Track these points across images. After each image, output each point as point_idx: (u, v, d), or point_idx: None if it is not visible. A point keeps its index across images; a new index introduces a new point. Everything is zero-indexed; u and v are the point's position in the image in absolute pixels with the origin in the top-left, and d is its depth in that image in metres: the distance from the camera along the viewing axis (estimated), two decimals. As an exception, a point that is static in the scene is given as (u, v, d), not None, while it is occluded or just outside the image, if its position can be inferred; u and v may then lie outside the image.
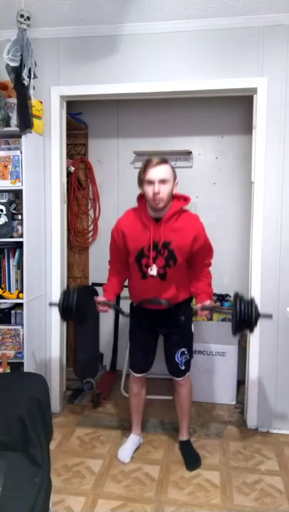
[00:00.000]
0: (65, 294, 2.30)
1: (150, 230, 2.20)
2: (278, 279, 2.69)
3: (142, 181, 2.17)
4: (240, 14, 2.56)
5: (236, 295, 2.20)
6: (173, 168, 2.20)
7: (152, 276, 2.23)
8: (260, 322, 2.71)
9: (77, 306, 2.27)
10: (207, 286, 2.38)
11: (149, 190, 2.11)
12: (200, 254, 2.30)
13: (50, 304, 2.61)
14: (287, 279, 2.68)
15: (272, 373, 2.75)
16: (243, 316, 2.09)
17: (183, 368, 2.42)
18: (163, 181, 2.11)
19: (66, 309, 2.28)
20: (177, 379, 2.47)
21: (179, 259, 2.22)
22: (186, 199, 2.26)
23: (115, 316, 3.56)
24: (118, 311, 2.44)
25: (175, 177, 2.20)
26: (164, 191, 2.11)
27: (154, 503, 2.09)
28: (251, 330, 2.17)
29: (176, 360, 2.40)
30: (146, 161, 2.16)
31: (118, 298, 3.53)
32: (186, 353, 2.41)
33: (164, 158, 2.18)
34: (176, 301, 2.33)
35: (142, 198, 2.27)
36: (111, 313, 3.63)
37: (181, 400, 2.51)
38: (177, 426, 2.67)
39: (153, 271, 2.22)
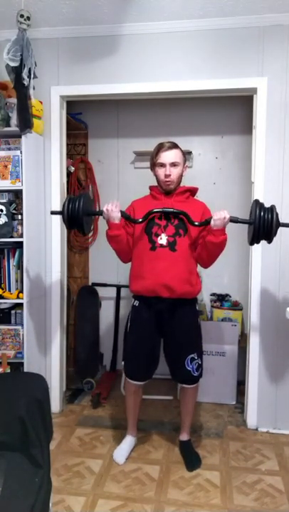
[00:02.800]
0: (70, 201, 2.14)
1: (161, 201, 2.31)
2: (278, 279, 2.69)
3: (153, 164, 2.32)
4: (240, 14, 2.56)
5: (256, 201, 2.08)
6: (183, 152, 2.33)
7: (162, 245, 2.22)
8: (260, 323, 2.73)
9: (84, 213, 2.11)
10: None
11: (161, 172, 2.28)
12: (206, 234, 2.28)
13: (52, 213, 2.42)
14: (287, 279, 2.68)
15: (272, 373, 2.75)
16: (263, 223, 1.97)
17: (196, 374, 2.35)
18: (174, 164, 2.26)
19: (72, 217, 2.12)
20: (189, 386, 2.41)
21: (189, 229, 2.24)
22: (193, 188, 2.40)
23: (115, 315, 3.57)
24: (128, 219, 2.24)
25: (185, 160, 2.35)
26: (174, 173, 2.27)
27: (154, 503, 2.09)
28: (270, 240, 2.04)
29: (187, 367, 2.32)
30: (159, 145, 2.32)
31: (119, 291, 3.56)
32: (196, 358, 2.33)
33: (175, 143, 2.31)
34: (189, 290, 2.25)
35: (152, 187, 2.42)
36: (111, 313, 3.64)
37: (186, 398, 2.48)
38: (177, 426, 2.68)
39: (162, 239, 2.22)
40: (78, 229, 2.21)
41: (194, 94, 2.80)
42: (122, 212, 2.21)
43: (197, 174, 3.43)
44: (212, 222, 2.12)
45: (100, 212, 2.22)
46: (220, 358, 3.13)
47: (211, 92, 2.76)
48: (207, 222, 2.16)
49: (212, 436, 2.71)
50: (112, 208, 2.17)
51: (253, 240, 2.07)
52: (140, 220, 2.25)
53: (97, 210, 3.64)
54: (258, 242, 2.11)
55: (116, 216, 2.19)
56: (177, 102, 3.33)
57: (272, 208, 2.02)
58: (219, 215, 2.11)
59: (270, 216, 1.99)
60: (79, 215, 2.11)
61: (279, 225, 2.00)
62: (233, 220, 2.13)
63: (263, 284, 2.71)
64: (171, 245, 2.23)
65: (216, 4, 2.46)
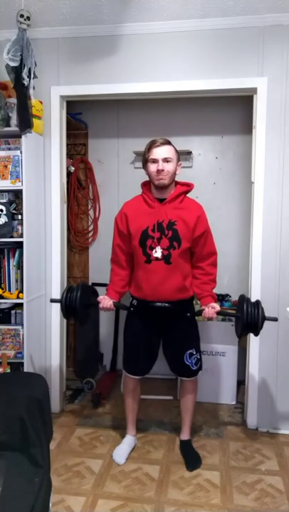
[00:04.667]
0: (69, 291, 2.25)
1: (155, 209, 2.26)
2: (278, 278, 2.69)
3: (146, 161, 2.26)
4: (240, 14, 2.56)
5: (243, 297, 2.20)
6: (176, 150, 2.29)
7: (157, 258, 2.22)
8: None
9: (81, 304, 2.21)
10: (212, 289, 2.37)
11: (153, 167, 2.22)
12: (202, 243, 2.30)
13: (52, 301, 2.52)
14: (287, 279, 2.68)
15: (272, 373, 2.75)
16: (250, 319, 2.09)
17: (195, 368, 2.40)
18: (167, 160, 2.21)
19: (69, 307, 2.23)
20: (188, 379, 2.45)
21: (183, 241, 2.23)
22: (189, 185, 2.35)
23: (115, 316, 3.56)
24: (122, 308, 2.39)
25: (178, 158, 2.30)
26: (167, 169, 2.21)
27: (154, 503, 2.09)
28: (256, 333, 2.15)
29: (186, 362, 2.37)
30: (151, 141, 2.27)
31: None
32: (194, 353, 2.39)
33: (168, 139, 2.28)
34: (184, 296, 2.30)
35: (145, 184, 2.36)
36: (111, 313, 3.63)
37: (186, 395, 2.50)
38: (177, 426, 2.68)
39: (157, 253, 2.22)
40: (75, 319, 2.35)
41: (194, 94, 2.80)
42: (114, 304, 2.35)
43: (197, 174, 3.43)
44: (203, 315, 2.28)
45: (97, 303, 2.35)
46: (220, 358, 3.13)
47: (211, 92, 2.76)
48: (198, 313, 2.32)
49: (212, 436, 2.71)
50: (107, 309, 2.33)
51: (242, 333, 2.22)
52: (132, 309, 2.39)
53: (96, 211, 3.66)
54: (245, 335, 2.28)
55: (111, 310, 2.36)
56: (177, 102, 3.33)
57: (257, 303, 2.14)
58: (208, 315, 2.26)
59: (256, 311, 2.10)
60: (76, 306, 2.22)
61: (264, 319, 2.12)
62: (223, 314, 2.34)
63: (262, 284, 2.71)
64: (166, 258, 2.23)
65: (216, 4, 2.46)
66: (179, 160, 2.31)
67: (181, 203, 2.30)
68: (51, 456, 1.68)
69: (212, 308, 2.26)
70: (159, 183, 2.23)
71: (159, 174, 2.20)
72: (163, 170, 2.20)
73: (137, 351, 2.43)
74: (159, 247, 2.22)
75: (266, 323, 2.71)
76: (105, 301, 2.33)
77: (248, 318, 2.10)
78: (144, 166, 2.31)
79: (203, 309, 2.29)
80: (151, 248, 2.23)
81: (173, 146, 2.28)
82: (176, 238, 2.22)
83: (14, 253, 2.70)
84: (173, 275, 2.24)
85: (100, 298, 2.36)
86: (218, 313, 2.28)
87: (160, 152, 2.21)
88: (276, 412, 2.76)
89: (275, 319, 2.17)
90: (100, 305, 2.33)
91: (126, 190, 3.49)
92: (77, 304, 2.21)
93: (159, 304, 2.27)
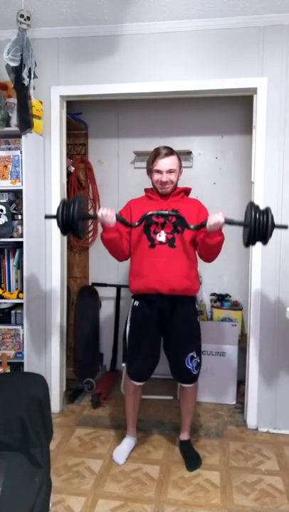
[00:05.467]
0: (64, 206, 2.07)
1: (157, 201, 2.36)
2: (278, 279, 2.69)
3: (150, 170, 2.34)
4: (240, 14, 2.56)
5: (251, 203, 2.06)
6: (179, 157, 2.35)
7: (161, 242, 2.25)
8: (260, 323, 2.73)
9: (79, 217, 2.06)
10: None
11: (158, 178, 2.31)
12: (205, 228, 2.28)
13: (46, 217, 2.44)
14: (287, 279, 2.68)
15: (272, 373, 2.75)
16: (258, 226, 1.95)
17: (195, 372, 2.37)
18: (170, 171, 2.30)
19: (66, 223, 2.07)
20: (189, 385, 2.43)
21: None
22: (186, 188, 2.44)
23: (115, 316, 3.56)
24: (123, 222, 2.23)
25: (180, 165, 2.38)
26: (171, 179, 2.31)
27: (154, 503, 2.09)
28: (265, 241, 2.02)
29: (187, 366, 2.34)
30: (156, 151, 2.32)
31: (119, 291, 3.55)
32: (195, 356, 2.35)
33: (171, 149, 2.33)
34: (190, 285, 2.28)
35: (147, 189, 2.44)
36: (111, 313, 3.64)
37: (187, 398, 2.49)
38: (177, 426, 2.68)
39: (161, 237, 2.26)
40: (73, 234, 2.17)
41: (194, 94, 2.80)
42: (117, 216, 2.18)
43: (197, 174, 3.43)
44: (207, 226, 2.09)
45: (95, 216, 2.19)
46: (220, 358, 3.13)
47: (211, 92, 2.76)
48: (202, 225, 2.13)
49: (212, 436, 2.71)
50: (107, 212, 2.13)
51: (249, 242, 2.06)
52: (136, 224, 2.25)
53: (96, 211, 3.65)
54: (253, 244, 2.11)
55: (111, 220, 2.16)
56: (177, 102, 3.33)
57: (267, 210, 2.00)
58: (214, 220, 2.06)
59: (265, 218, 1.97)
60: (74, 220, 2.05)
61: (274, 226, 1.98)
62: (228, 222, 2.10)
63: (262, 284, 2.71)
64: (170, 242, 2.26)
65: (216, 4, 2.46)
66: (181, 167, 2.37)
67: (182, 198, 2.39)
68: (51, 456, 1.68)
69: (216, 215, 2.07)
70: (163, 192, 2.35)
71: (163, 185, 2.31)
72: (167, 182, 2.29)
73: (141, 358, 2.38)
74: (162, 231, 2.27)
75: (266, 322, 2.72)
76: (107, 210, 2.13)
77: (256, 225, 1.95)
78: (148, 173, 2.38)
79: (206, 222, 2.10)
80: (155, 232, 2.28)
81: (176, 155, 2.33)
82: (180, 222, 2.26)
83: (14, 253, 2.70)
84: (177, 259, 2.24)
85: (101, 209, 2.17)
86: (226, 222, 2.09)
87: (165, 164, 2.28)
88: (276, 412, 2.76)
89: (285, 227, 2.05)
90: (99, 213, 2.14)
91: (126, 190, 3.49)
92: (75, 218, 2.04)
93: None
